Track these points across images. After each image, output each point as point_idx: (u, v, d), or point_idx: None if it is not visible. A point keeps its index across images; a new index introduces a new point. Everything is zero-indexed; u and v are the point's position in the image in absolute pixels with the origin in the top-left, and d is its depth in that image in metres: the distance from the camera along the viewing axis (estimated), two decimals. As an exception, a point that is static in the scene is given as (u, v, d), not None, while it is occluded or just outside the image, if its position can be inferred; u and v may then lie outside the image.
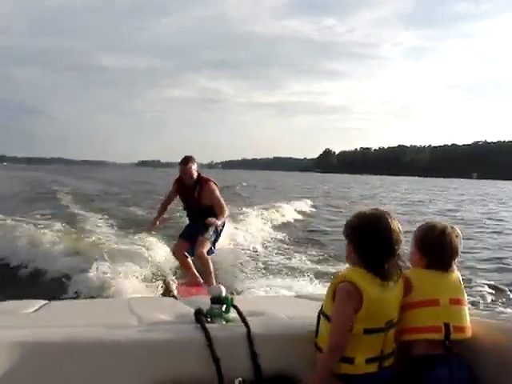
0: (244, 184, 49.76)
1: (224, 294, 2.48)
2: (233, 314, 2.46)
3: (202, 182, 6.94)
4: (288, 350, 2.34)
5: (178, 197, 7.30)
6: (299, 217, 20.29)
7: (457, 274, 2.50)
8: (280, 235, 14.33)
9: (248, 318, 2.39)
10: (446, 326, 2.35)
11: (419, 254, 2.51)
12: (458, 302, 2.42)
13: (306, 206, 25.32)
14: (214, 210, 6.86)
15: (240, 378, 2.07)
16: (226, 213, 6.94)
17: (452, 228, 2.51)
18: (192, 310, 2.46)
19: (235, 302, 2.49)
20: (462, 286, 2.49)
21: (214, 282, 6.76)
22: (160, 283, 7.71)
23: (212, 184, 6.94)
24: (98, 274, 7.66)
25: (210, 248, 6.94)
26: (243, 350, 2.26)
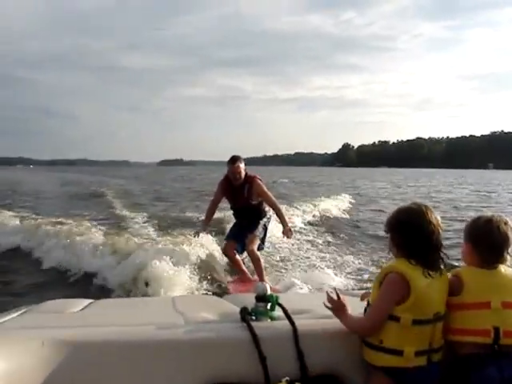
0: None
1: (269, 291, 2.44)
2: (278, 312, 2.42)
3: (249, 180, 6.90)
4: (334, 348, 2.31)
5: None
6: (338, 212, 19.51)
7: (511, 271, 2.41)
8: (322, 231, 14.13)
9: (293, 316, 2.36)
10: (496, 329, 2.27)
11: (469, 247, 2.44)
12: (510, 305, 2.32)
13: (343, 201, 24.21)
14: (261, 207, 6.96)
15: (287, 377, 2.02)
16: (283, 210, 7.04)
17: (500, 216, 2.45)
18: (237, 309, 2.44)
19: (280, 300, 2.45)
20: None
21: (266, 278, 6.80)
22: (206, 281, 7.59)
23: (259, 181, 6.94)
24: (144, 273, 7.52)
25: (260, 244, 7.00)
26: (289, 349, 2.22)
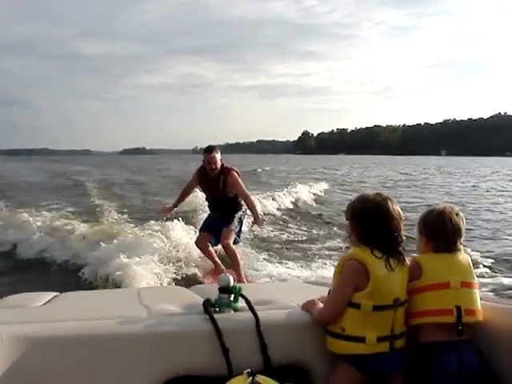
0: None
1: (232, 283, 2.40)
2: (241, 303, 2.39)
3: (225, 171, 6.72)
4: (297, 338, 2.28)
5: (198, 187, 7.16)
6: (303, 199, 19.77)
7: (466, 256, 2.45)
8: (290, 218, 14.23)
9: (256, 307, 2.33)
10: (458, 308, 2.29)
11: (424, 238, 2.47)
12: (469, 285, 2.36)
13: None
14: (237, 200, 6.80)
15: (249, 369, 1.98)
16: (255, 201, 6.87)
17: (451, 207, 2.49)
18: (201, 300, 2.40)
19: (244, 291, 2.41)
20: (472, 268, 2.44)
21: (242, 272, 6.73)
22: (172, 273, 7.56)
23: (235, 173, 6.75)
24: (110, 264, 7.48)
25: (235, 238, 6.85)
26: (252, 340, 2.19)
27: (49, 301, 2.81)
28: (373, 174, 44.43)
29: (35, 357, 2.01)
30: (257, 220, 6.64)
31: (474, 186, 30.53)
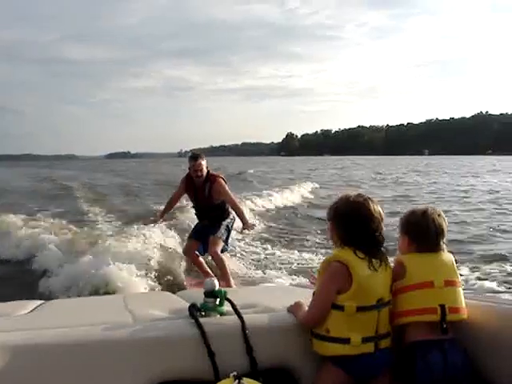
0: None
1: (217, 287, 2.40)
2: (227, 307, 2.39)
3: (211, 178, 6.64)
4: (283, 341, 2.29)
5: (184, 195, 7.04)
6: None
7: (449, 255, 2.47)
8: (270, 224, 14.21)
9: (242, 311, 2.33)
10: (442, 307, 2.31)
11: (407, 239, 2.49)
12: (452, 283, 2.39)
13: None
14: (224, 207, 6.72)
15: (235, 372, 1.98)
16: (243, 208, 6.81)
17: (433, 208, 2.51)
18: (187, 305, 2.39)
19: (229, 295, 2.41)
20: (455, 267, 2.46)
21: (231, 280, 6.67)
22: (158, 279, 7.51)
23: (222, 180, 6.67)
24: (95, 271, 7.39)
25: (223, 246, 6.75)
26: (238, 344, 2.19)
27: (34, 309, 2.80)
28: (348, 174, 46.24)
29: (22, 365, 1.99)
30: (246, 225, 6.63)
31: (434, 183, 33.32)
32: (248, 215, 7.07)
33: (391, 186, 31.32)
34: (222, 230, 6.69)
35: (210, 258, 6.97)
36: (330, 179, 38.67)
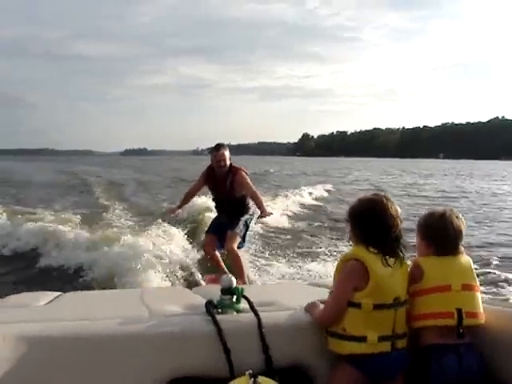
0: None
1: (234, 284, 2.39)
2: (244, 304, 2.38)
3: (233, 170, 6.49)
4: (299, 340, 2.27)
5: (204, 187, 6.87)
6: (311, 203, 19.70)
7: (468, 258, 2.44)
8: (296, 221, 14.11)
9: (259, 309, 2.31)
10: (459, 311, 2.28)
11: (425, 242, 2.46)
12: (470, 287, 2.35)
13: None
14: (245, 202, 6.61)
15: (250, 370, 1.96)
16: (263, 201, 6.62)
17: (451, 210, 2.48)
18: (203, 301, 2.38)
19: (246, 292, 2.41)
20: (474, 271, 2.42)
21: (246, 278, 6.60)
22: (175, 275, 7.50)
23: (244, 173, 6.53)
24: (114, 265, 7.44)
25: (240, 242, 6.64)
26: (254, 342, 2.18)
27: (51, 300, 2.81)
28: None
29: (39, 356, 2.01)
30: (264, 213, 6.45)
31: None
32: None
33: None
34: (241, 225, 6.57)
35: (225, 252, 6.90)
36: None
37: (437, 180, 41.08)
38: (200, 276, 7.57)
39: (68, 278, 7.57)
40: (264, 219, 7.04)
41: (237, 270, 6.50)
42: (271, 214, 6.82)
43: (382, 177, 43.77)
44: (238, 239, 6.56)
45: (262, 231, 11.46)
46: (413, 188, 30.38)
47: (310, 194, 22.16)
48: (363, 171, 56.21)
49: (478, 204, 20.98)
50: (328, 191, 25.06)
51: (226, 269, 6.65)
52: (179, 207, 7.15)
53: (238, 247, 6.62)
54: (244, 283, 6.32)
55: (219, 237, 6.67)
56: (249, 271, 7.26)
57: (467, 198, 24.26)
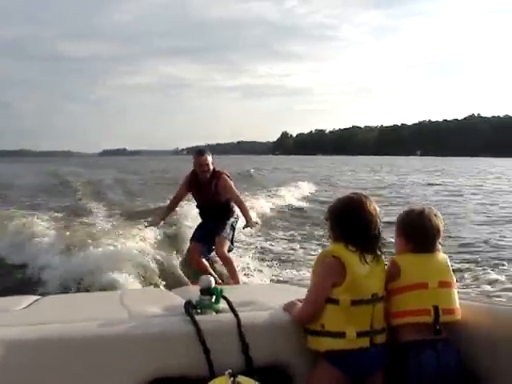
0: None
1: (213, 284, 2.39)
2: (223, 304, 2.38)
3: (217, 175, 6.41)
4: (279, 339, 2.29)
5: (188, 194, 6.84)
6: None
7: (444, 255, 2.47)
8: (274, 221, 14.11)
9: (238, 309, 2.32)
10: (435, 308, 2.31)
11: (403, 239, 2.48)
12: (447, 284, 2.38)
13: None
14: (229, 206, 6.54)
15: (230, 370, 1.98)
16: (247, 205, 6.62)
17: (430, 208, 2.51)
18: (183, 302, 2.38)
19: (225, 293, 2.41)
20: (450, 268, 2.45)
21: (240, 280, 6.56)
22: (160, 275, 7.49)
23: (226, 176, 6.46)
24: (93, 268, 7.35)
25: (229, 245, 6.58)
26: (234, 341, 2.19)
27: (30, 304, 2.78)
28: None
29: (18, 360, 1.99)
30: (249, 223, 6.45)
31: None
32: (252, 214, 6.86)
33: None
34: (228, 229, 6.50)
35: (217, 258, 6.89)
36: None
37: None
38: (180, 277, 7.52)
39: (45, 282, 7.43)
40: (249, 229, 7.02)
41: (230, 273, 6.49)
42: (257, 223, 6.81)
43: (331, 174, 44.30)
44: (228, 243, 6.50)
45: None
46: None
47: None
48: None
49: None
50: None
51: (215, 274, 6.46)
52: (163, 219, 7.04)
53: (228, 250, 6.56)
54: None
55: (205, 243, 6.59)
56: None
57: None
